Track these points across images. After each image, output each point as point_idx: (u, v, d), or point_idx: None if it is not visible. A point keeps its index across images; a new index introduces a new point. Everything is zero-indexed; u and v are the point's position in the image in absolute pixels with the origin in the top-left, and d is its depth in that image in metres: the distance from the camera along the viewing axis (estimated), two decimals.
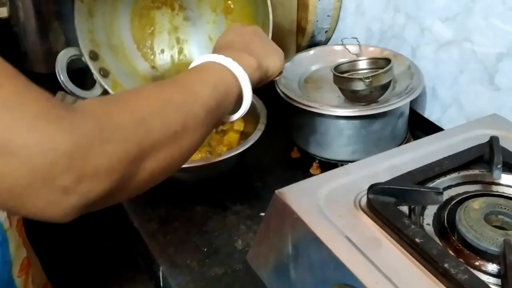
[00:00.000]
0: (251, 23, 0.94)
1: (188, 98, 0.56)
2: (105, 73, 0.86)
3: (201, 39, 0.99)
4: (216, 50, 0.69)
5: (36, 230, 0.88)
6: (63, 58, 0.86)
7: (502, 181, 0.67)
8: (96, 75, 0.85)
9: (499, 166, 0.64)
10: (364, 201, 0.62)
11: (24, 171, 0.41)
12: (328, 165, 0.90)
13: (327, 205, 0.62)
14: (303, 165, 0.94)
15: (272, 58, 0.70)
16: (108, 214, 0.96)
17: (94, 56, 0.85)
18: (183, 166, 0.81)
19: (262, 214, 0.83)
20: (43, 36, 1.19)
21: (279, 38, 1.16)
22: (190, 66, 0.63)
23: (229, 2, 0.97)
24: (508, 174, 0.67)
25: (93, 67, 0.84)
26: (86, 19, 0.84)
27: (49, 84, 0.88)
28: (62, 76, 0.87)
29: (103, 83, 0.85)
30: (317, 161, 0.92)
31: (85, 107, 0.47)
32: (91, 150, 0.44)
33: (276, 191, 0.64)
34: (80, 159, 0.43)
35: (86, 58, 0.83)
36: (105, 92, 0.92)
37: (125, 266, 1.02)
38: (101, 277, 1.09)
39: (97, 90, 0.97)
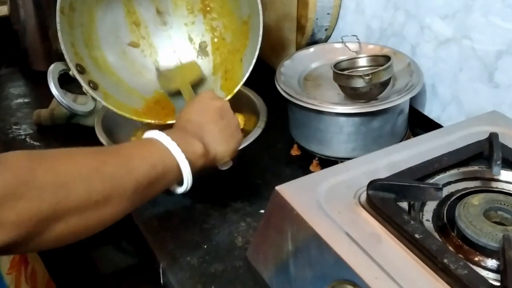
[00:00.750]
0: (234, 19, 0.93)
1: (121, 171, 0.56)
2: (94, 86, 0.85)
3: (181, 42, 0.99)
4: (176, 124, 0.70)
5: None
6: (54, 73, 0.85)
7: (501, 177, 0.67)
8: (86, 88, 0.83)
9: (498, 163, 0.65)
10: (363, 197, 0.62)
11: None
12: (328, 162, 0.90)
13: (327, 201, 0.62)
14: (303, 163, 0.94)
15: (222, 146, 0.71)
16: None
17: (81, 69, 0.83)
18: None
19: (262, 211, 0.83)
20: (43, 34, 1.19)
21: (278, 36, 1.17)
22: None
23: (207, 1, 0.96)
24: (507, 170, 0.67)
25: (82, 81, 0.82)
26: (68, 31, 0.82)
27: None
28: (57, 91, 0.87)
29: (94, 95, 0.84)
30: (317, 159, 0.92)
31: (10, 159, 0.48)
32: (2, 202, 0.45)
33: (276, 188, 0.65)
34: None
35: (74, 72, 0.82)
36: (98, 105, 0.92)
37: (126, 263, 1.02)
38: (102, 273, 1.09)
39: (90, 104, 0.97)
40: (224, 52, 0.96)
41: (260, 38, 0.84)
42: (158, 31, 0.96)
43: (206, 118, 0.70)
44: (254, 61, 0.85)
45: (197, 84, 0.95)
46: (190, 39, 0.98)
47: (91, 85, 0.84)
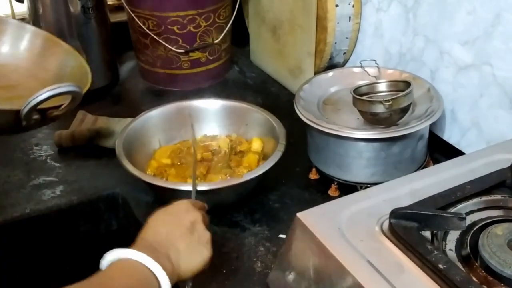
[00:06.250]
0: None
1: None
2: None
3: None
4: (145, 237, 0.64)
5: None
6: None
7: None
8: None
9: None
10: (386, 225, 0.61)
11: None
12: (347, 187, 0.90)
13: (349, 229, 0.62)
14: (322, 187, 0.94)
15: (186, 265, 0.65)
16: (128, 234, 0.96)
17: None
18: (205, 188, 0.82)
19: (281, 235, 0.83)
20: None
21: (297, 60, 1.18)
22: (110, 259, 0.59)
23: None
24: None
25: None
26: None
27: None
28: None
29: None
30: (335, 183, 0.92)
31: None
32: None
33: (297, 214, 0.64)
34: None
35: None
36: None
37: None
38: None
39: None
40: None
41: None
42: None
43: (176, 233, 0.65)
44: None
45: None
46: None
47: None
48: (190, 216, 0.68)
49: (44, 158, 1.04)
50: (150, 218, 0.67)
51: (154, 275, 0.58)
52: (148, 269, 0.58)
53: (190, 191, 0.80)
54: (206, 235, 0.68)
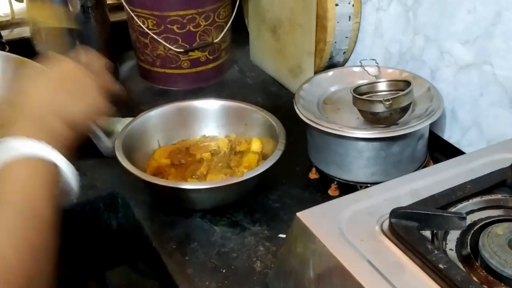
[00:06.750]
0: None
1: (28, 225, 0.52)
2: None
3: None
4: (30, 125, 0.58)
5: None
6: None
7: None
8: None
9: None
10: (386, 225, 0.61)
11: None
12: (346, 186, 0.90)
13: (349, 228, 0.61)
14: (322, 186, 0.93)
15: (80, 113, 0.61)
16: (127, 234, 0.96)
17: None
18: (206, 187, 0.82)
19: (281, 235, 0.83)
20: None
21: (297, 59, 1.17)
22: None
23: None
24: None
25: None
26: None
27: None
28: None
29: None
30: (335, 183, 0.92)
31: None
32: None
33: (297, 214, 0.64)
34: None
35: None
36: None
37: (142, 284, 1.02)
38: None
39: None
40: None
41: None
42: None
43: (60, 92, 0.61)
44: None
45: None
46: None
47: None
48: (63, 68, 0.63)
49: None
50: (30, 86, 0.61)
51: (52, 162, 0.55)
52: (44, 159, 0.55)
53: (191, 189, 0.81)
54: (86, 81, 0.63)
